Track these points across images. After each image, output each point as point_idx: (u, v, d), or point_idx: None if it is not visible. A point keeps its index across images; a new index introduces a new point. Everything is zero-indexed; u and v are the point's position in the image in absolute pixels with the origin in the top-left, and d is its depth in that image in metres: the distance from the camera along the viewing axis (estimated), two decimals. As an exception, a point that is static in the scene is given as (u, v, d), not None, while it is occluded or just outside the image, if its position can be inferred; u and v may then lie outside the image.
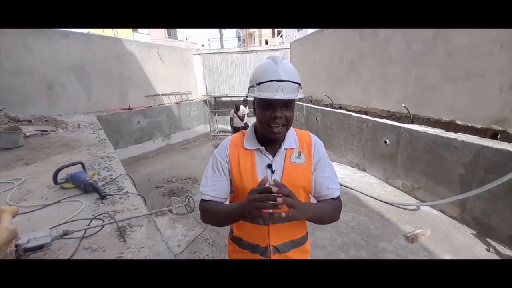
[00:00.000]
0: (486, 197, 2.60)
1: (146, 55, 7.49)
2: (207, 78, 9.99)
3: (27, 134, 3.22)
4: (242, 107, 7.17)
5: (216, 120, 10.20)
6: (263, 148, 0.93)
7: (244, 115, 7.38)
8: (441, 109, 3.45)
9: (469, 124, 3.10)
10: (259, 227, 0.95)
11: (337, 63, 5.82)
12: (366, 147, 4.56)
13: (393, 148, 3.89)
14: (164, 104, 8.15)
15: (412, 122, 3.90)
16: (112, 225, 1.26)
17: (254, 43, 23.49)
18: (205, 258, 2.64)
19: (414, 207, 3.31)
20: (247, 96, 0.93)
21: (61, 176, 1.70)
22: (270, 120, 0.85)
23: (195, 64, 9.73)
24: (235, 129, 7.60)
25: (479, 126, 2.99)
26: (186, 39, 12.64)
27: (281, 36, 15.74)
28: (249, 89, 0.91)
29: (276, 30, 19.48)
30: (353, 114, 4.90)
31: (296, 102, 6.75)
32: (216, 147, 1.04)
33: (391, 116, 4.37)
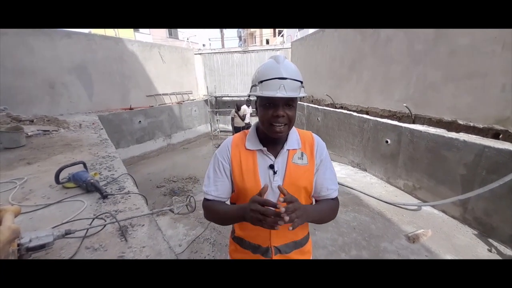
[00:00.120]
0: (488, 197, 2.59)
1: (147, 55, 7.50)
2: (208, 77, 10.00)
3: (29, 133, 3.23)
4: (244, 107, 7.17)
5: (217, 120, 10.20)
6: (265, 148, 0.93)
7: (245, 114, 7.37)
8: (443, 109, 3.44)
9: (471, 124, 3.09)
10: (260, 228, 0.95)
11: (338, 63, 5.80)
12: (367, 147, 4.55)
13: (395, 148, 3.88)
14: (165, 103, 8.17)
15: (413, 122, 3.89)
16: (113, 224, 1.26)
17: (255, 42, 23.46)
18: (206, 257, 2.64)
19: (416, 207, 3.30)
20: (249, 96, 0.93)
21: (63, 175, 1.70)
22: (272, 119, 0.85)
23: (196, 64, 9.74)
24: (236, 129, 7.60)
25: (481, 126, 2.98)
26: (187, 39, 12.66)
27: (282, 35, 15.70)
28: (251, 88, 0.91)
29: (277, 29, 19.45)
30: (354, 113, 4.89)
31: (298, 102, 6.74)
32: (217, 147, 1.04)
33: (392, 116, 4.36)
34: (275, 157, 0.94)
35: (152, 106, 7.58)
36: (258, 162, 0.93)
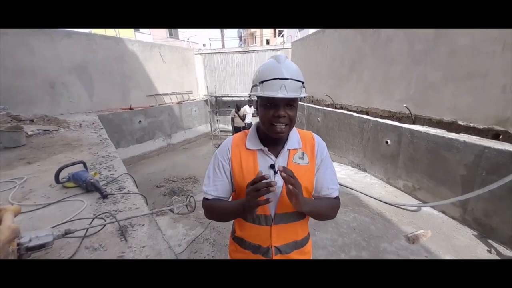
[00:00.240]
0: (487, 198, 2.59)
1: (147, 55, 7.51)
2: (208, 78, 10.00)
3: (29, 133, 3.23)
4: (246, 107, 7.18)
5: (217, 120, 10.21)
6: (265, 148, 0.93)
7: (245, 115, 7.39)
8: (443, 109, 3.44)
9: (471, 125, 3.09)
10: (261, 227, 0.95)
11: (339, 63, 5.81)
12: (367, 147, 4.55)
13: (395, 149, 3.88)
14: (165, 103, 8.18)
15: (413, 123, 3.89)
16: (113, 224, 1.26)
17: (256, 43, 23.46)
18: (206, 258, 2.64)
19: (415, 208, 3.30)
20: (250, 96, 0.93)
21: (63, 175, 1.70)
22: (273, 119, 0.85)
23: (197, 64, 9.74)
24: (236, 129, 7.61)
25: (481, 127, 2.98)
26: (188, 39, 12.67)
27: (282, 36, 15.71)
28: (252, 88, 0.91)
29: (277, 30, 19.45)
30: (354, 114, 4.89)
31: (298, 102, 6.74)
32: (218, 147, 1.04)
33: (392, 116, 4.36)
34: (276, 157, 0.94)
35: (152, 106, 7.59)
36: (259, 162, 0.93)
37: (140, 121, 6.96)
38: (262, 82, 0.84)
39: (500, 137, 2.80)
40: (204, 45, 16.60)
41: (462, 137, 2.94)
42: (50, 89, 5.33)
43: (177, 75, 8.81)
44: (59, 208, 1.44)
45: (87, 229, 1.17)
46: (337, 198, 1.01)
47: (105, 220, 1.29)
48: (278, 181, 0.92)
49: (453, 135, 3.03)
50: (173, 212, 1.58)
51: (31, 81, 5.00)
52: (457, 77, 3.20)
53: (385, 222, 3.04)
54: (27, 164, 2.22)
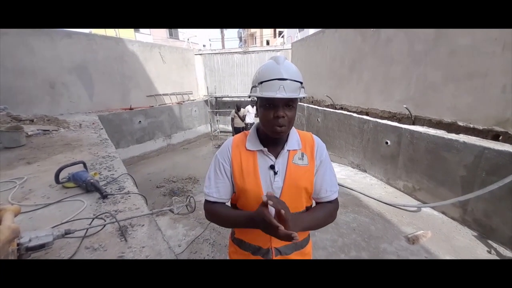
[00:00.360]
0: (487, 199, 2.59)
1: (147, 55, 7.51)
2: (208, 78, 10.01)
3: (29, 133, 3.23)
4: (248, 107, 7.20)
5: (217, 120, 10.21)
6: (265, 149, 0.93)
7: (245, 115, 7.39)
8: (443, 110, 3.44)
9: (471, 125, 3.09)
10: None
11: (339, 64, 5.81)
12: (367, 148, 4.55)
13: (394, 149, 3.88)
14: (165, 104, 8.18)
15: (413, 123, 3.89)
16: (113, 224, 1.26)
17: (256, 43, 23.49)
18: (206, 258, 2.64)
19: (415, 209, 3.30)
20: (249, 97, 0.93)
21: (63, 175, 1.70)
22: (272, 120, 0.85)
23: (197, 64, 9.75)
24: (236, 130, 7.62)
25: (481, 127, 2.98)
26: (188, 39, 12.67)
27: (282, 36, 15.74)
28: (251, 89, 0.91)
29: (277, 30, 19.47)
30: (354, 114, 4.89)
31: (298, 102, 6.74)
32: (218, 147, 1.05)
33: (392, 117, 4.36)
34: (276, 157, 0.94)
35: (152, 106, 7.59)
36: (259, 162, 0.93)
37: (140, 121, 6.96)
38: (261, 82, 0.85)
39: (500, 138, 2.80)
40: (204, 46, 16.62)
41: (462, 137, 2.94)
42: (50, 89, 5.33)
43: (177, 75, 8.81)
44: (59, 208, 1.44)
45: (87, 229, 1.17)
46: (335, 200, 1.00)
47: (105, 220, 1.29)
48: (278, 181, 0.92)
49: (453, 136, 3.03)
50: (173, 212, 1.58)
51: (31, 81, 5.00)
52: (457, 77, 3.20)
53: (385, 223, 3.04)
54: (27, 164, 2.22)
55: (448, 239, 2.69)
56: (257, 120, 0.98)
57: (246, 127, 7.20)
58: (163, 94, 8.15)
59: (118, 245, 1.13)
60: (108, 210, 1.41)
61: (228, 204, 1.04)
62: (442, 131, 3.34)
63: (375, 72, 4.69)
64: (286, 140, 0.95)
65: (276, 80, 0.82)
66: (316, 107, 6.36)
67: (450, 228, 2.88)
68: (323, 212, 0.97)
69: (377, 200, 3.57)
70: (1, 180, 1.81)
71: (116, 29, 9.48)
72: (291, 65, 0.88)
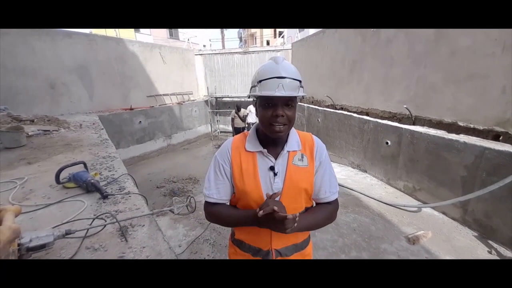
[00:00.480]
0: (488, 199, 2.59)
1: (148, 55, 7.52)
2: (208, 78, 10.01)
3: (30, 133, 3.23)
4: (251, 106, 7.20)
5: (217, 121, 10.21)
6: (265, 150, 0.93)
7: (245, 115, 7.40)
8: (443, 110, 3.44)
9: (471, 126, 3.09)
10: (262, 230, 0.94)
11: (339, 64, 5.81)
12: (367, 148, 4.55)
13: (395, 149, 3.88)
14: (165, 104, 8.18)
15: (414, 123, 3.89)
16: (114, 224, 1.26)
17: (256, 43, 23.51)
18: (206, 258, 2.64)
19: (416, 209, 3.30)
20: (249, 97, 0.93)
21: (63, 175, 1.71)
22: (272, 119, 0.85)
23: (197, 65, 9.75)
24: (236, 130, 7.62)
25: (481, 128, 2.98)
26: (188, 40, 12.68)
27: (282, 36, 15.73)
28: (251, 89, 0.91)
29: (277, 30, 19.49)
30: (355, 115, 4.89)
31: (298, 103, 6.74)
32: (218, 147, 1.04)
33: (392, 117, 4.36)
34: (276, 158, 0.93)
35: (153, 107, 7.59)
36: (259, 163, 0.93)
37: (140, 121, 6.97)
38: (260, 81, 0.85)
39: (501, 138, 2.80)
40: (204, 46, 16.65)
41: (463, 138, 2.94)
42: (51, 89, 5.34)
43: (178, 75, 8.81)
44: (60, 209, 1.44)
45: (88, 229, 1.18)
46: (334, 201, 1.00)
47: (106, 221, 1.29)
48: (278, 183, 0.92)
49: (453, 136, 3.03)
50: (173, 212, 1.59)
51: (32, 81, 5.01)
52: (458, 78, 3.20)
53: (386, 223, 3.04)
54: (28, 164, 2.22)
55: (449, 239, 2.69)
56: (257, 121, 0.98)
57: (248, 126, 7.20)
58: (163, 94, 8.15)
59: (118, 245, 1.13)
60: (108, 210, 1.41)
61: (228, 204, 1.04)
62: (442, 131, 3.34)
63: (375, 73, 4.69)
64: (286, 141, 0.95)
65: (275, 79, 0.82)
66: (316, 107, 6.36)
67: (450, 228, 2.88)
68: (322, 212, 0.98)
69: (378, 200, 3.57)
70: (1, 181, 1.81)
71: (117, 29, 9.51)
72: (290, 64, 0.88)
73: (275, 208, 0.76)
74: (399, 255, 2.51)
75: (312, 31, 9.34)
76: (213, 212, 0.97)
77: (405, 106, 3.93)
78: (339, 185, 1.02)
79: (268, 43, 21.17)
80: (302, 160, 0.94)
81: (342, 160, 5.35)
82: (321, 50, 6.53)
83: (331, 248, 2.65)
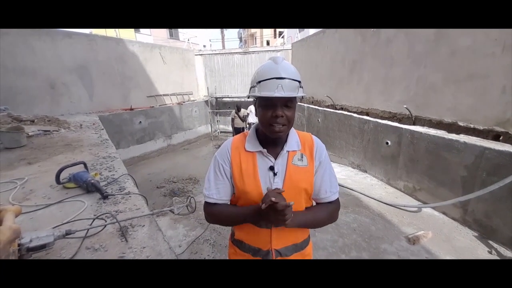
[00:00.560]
0: (488, 199, 2.59)
1: (148, 56, 7.52)
2: (208, 78, 10.02)
3: (30, 134, 3.23)
4: (252, 107, 7.20)
5: (217, 121, 10.22)
6: (265, 150, 0.93)
7: (245, 115, 7.40)
8: (443, 110, 3.44)
9: (471, 126, 3.09)
10: (261, 230, 0.95)
11: (339, 64, 5.81)
12: (367, 148, 4.55)
13: (395, 149, 3.88)
14: (165, 104, 8.18)
15: (414, 123, 3.89)
16: (114, 225, 1.26)
17: (256, 43, 23.53)
18: (206, 258, 2.64)
19: (416, 209, 3.30)
20: (248, 97, 0.93)
21: (64, 175, 1.71)
22: (271, 120, 0.85)
23: (197, 65, 9.76)
24: (236, 130, 7.62)
25: (482, 128, 2.98)
26: (188, 40, 12.69)
27: (282, 37, 15.73)
28: (250, 89, 0.91)
29: (277, 30, 19.50)
30: (355, 115, 4.89)
31: (298, 103, 6.74)
32: (218, 148, 1.04)
33: (393, 117, 4.36)
34: (275, 158, 0.93)
35: (153, 107, 7.59)
36: (258, 163, 0.93)
37: (140, 121, 6.97)
38: (259, 82, 0.85)
39: (501, 138, 2.80)
40: (204, 46, 16.64)
41: (463, 138, 2.94)
42: (51, 89, 5.34)
43: (178, 76, 8.82)
44: (60, 209, 1.44)
45: (88, 229, 1.18)
46: (335, 202, 0.99)
47: (106, 221, 1.29)
48: (278, 183, 0.92)
49: (453, 136, 3.03)
50: (173, 212, 1.59)
51: (32, 82, 5.01)
52: (458, 78, 3.20)
53: (386, 223, 3.04)
54: (28, 164, 2.22)
55: (449, 239, 2.69)
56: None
57: (249, 127, 7.20)
58: (164, 95, 8.15)
59: (118, 246, 1.13)
60: (108, 210, 1.41)
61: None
62: (442, 131, 3.34)
63: (375, 73, 4.69)
64: (286, 141, 0.95)
65: (274, 79, 0.82)
66: (316, 107, 6.36)
67: (450, 228, 2.87)
68: (323, 211, 0.97)
69: (378, 200, 3.57)
70: (2, 181, 1.81)
71: (117, 30, 9.51)
72: (289, 65, 0.88)
73: (273, 199, 0.76)
74: (399, 255, 2.51)
75: (312, 31, 9.34)
76: (213, 212, 0.97)
77: (405, 106, 3.93)
78: (339, 185, 1.02)
79: (268, 43, 21.18)
80: (302, 160, 0.94)
81: (342, 160, 5.35)
82: (321, 50, 6.53)
83: (331, 248, 2.65)
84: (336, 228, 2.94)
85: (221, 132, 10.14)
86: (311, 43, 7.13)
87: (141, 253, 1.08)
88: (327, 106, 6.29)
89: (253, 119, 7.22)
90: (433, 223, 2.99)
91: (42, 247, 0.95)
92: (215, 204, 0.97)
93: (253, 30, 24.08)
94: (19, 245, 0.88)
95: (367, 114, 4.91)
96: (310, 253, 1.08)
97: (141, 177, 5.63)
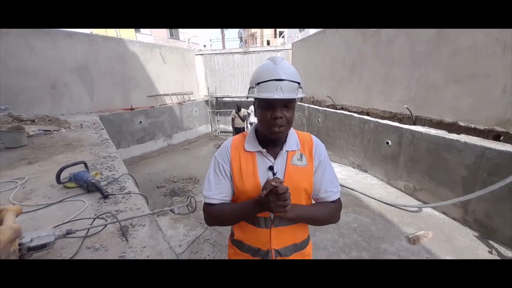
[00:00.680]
0: (488, 199, 2.59)
1: (148, 56, 7.52)
2: (209, 78, 10.01)
3: (30, 133, 3.24)
4: (252, 106, 7.18)
5: (217, 121, 10.21)
6: (264, 150, 0.93)
7: (246, 115, 7.39)
8: (444, 110, 3.44)
9: (472, 126, 3.09)
10: (261, 230, 0.94)
11: (339, 64, 5.81)
12: (368, 148, 4.55)
13: (395, 149, 3.87)
14: (166, 104, 8.18)
15: (414, 123, 3.88)
16: (114, 224, 1.26)
17: (256, 43, 23.52)
18: (206, 258, 2.64)
19: (416, 209, 3.30)
20: (247, 98, 0.93)
21: (64, 175, 1.71)
22: (270, 121, 0.85)
23: (197, 65, 9.75)
24: (236, 130, 7.62)
25: (482, 128, 2.97)
26: (188, 40, 12.69)
27: (283, 36, 15.73)
28: (249, 90, 0.91)
29: (278, 30, 19.49)
30: (355, 115, 4.89)
31: (298, 102, 6.73)
32: (218, 147, 1.04)
33: (393, 117, 4.35)
34: (275, 158, 0.93)
35: (153, 107, 7.59)
36: (258, 163, 0.93)
37: (140, 121, 6.97)
38: (259, 83, 0.84)
39: (501, 138, 2.79)
40: (204, 46, 16.66)
41: (463, 138, 2.93)
42: (51, 89, 5.34)
43: (178, 75, 8.82)
44: (60, 208, 1.45)
45: (88, 229, 1.18)
46: (337, 201, 0.99)
47: (106, 220, 1.29)
48: None
49: (454, 136, 3.03)
50: (173, 212, 1.59)
51: (33, 81, 5.01)
52: (458, 78, 3.19)
53: (386, 223, 3.04)
54: (28, 164, 2.23)
55: (449, 239, 2.69)
56: None
57: (250, 126, 7.19)
58: (164, 94, 8.15)
59: (119, 245, 1.13)
60: (109, 210, 1.41)
61: None
62: (443, 131, 3.34)
63: (375, 73, 4.68)
64: (285, 141, 0.95)
65: (274, 81, 0.82)
66: (316, 107, 6.36)
67: (451, 228, 2.87)
68: (324, 208, 0.97)
69: (378, 200, 3.57)
70: (2, 180, 1.82)
71: (117, 30, 9.52)
72: (289, 65, 0.87)
73: (273, 183, 0.76)
74: (399, 255, 2.51)
75: (312, 31, 9.33)
76: (213, 212, 0.95)
77: (405, 106, 3.93)
78: (339, 185, 1.01)
79: (268, 43, 21.17)
80: (301, 160, 0.94)
81: (342, 160, 5.35)
82: (322, 50, 6.53)
83: (331, 248, 2.65)
84: (336, 228, 2.94)
85: (221, 132, 10.13)
86: (312, 43, 7.13)
87: (141, 253, 1.09)
88: (328, 106, 6.28)
89: (254, 119, 7.22)
90: (433, 223, 2.99)
91: (43, 246, 0.95)
92: (216, 205, 0.96)
93: (253, 30, 24.07)
94: (19, 244, 0.88)
95: (368, 114, 4.90)
96: (310, 253, 1.08)
97: (141, 176, 5.63)
